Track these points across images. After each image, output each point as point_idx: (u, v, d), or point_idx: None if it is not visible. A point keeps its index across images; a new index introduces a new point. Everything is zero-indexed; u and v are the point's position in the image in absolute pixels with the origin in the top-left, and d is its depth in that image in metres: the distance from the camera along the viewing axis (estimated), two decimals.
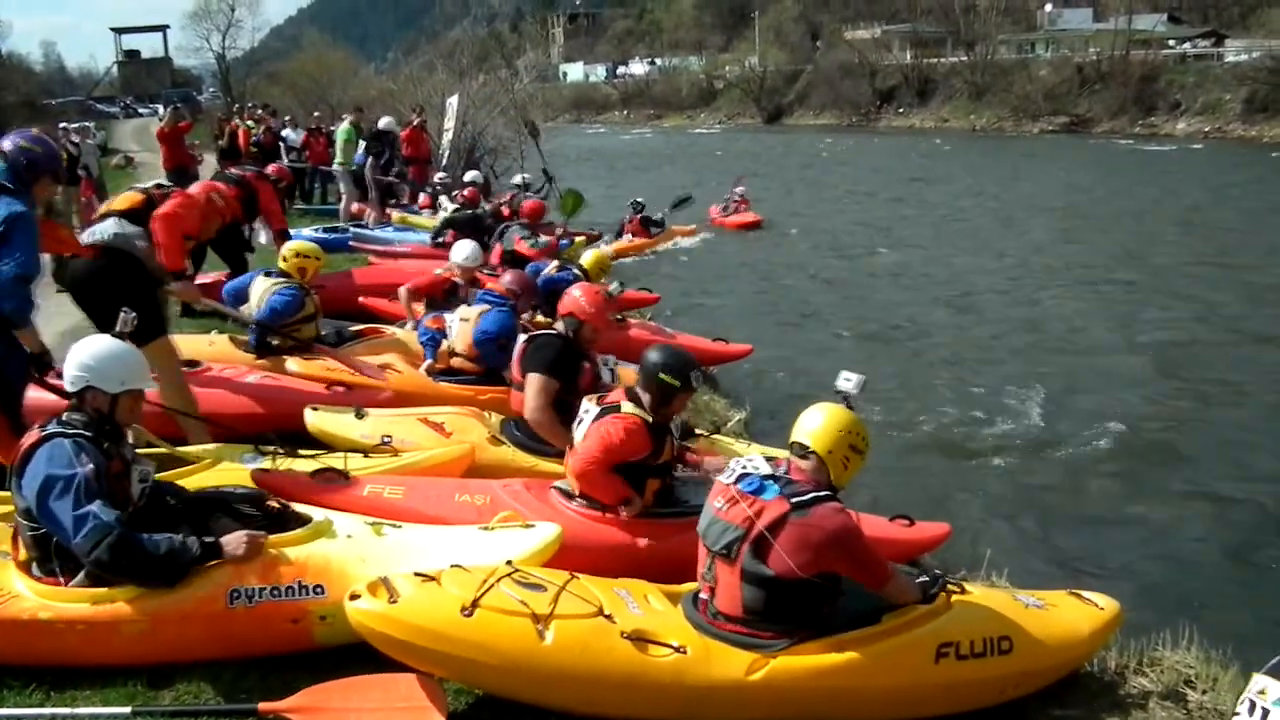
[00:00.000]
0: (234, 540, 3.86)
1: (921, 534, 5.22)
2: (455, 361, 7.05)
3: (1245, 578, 6.59)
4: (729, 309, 14.35)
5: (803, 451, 3.73)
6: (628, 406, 4.70)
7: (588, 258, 9.84)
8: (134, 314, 4.56)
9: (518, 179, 17.68)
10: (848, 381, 3.90)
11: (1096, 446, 8.72)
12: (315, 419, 5.91)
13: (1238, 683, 4.26)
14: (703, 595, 3.80)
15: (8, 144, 5.03)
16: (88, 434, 3.80)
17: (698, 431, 6.29)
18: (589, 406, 4.85)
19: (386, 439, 5.72)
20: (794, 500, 3.57)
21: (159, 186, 6.14)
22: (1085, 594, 4.49)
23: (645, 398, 4.72)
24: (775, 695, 3.59)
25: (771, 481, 3.66)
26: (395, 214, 15.99)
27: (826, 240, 20.80)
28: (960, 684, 3.80)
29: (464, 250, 8.73)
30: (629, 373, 7.18)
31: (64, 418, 3.88)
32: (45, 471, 3.69)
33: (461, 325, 7.02)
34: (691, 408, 5.15)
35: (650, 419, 4.67)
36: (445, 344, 7.11)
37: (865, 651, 3.64)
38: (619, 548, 4.59)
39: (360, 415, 5.87)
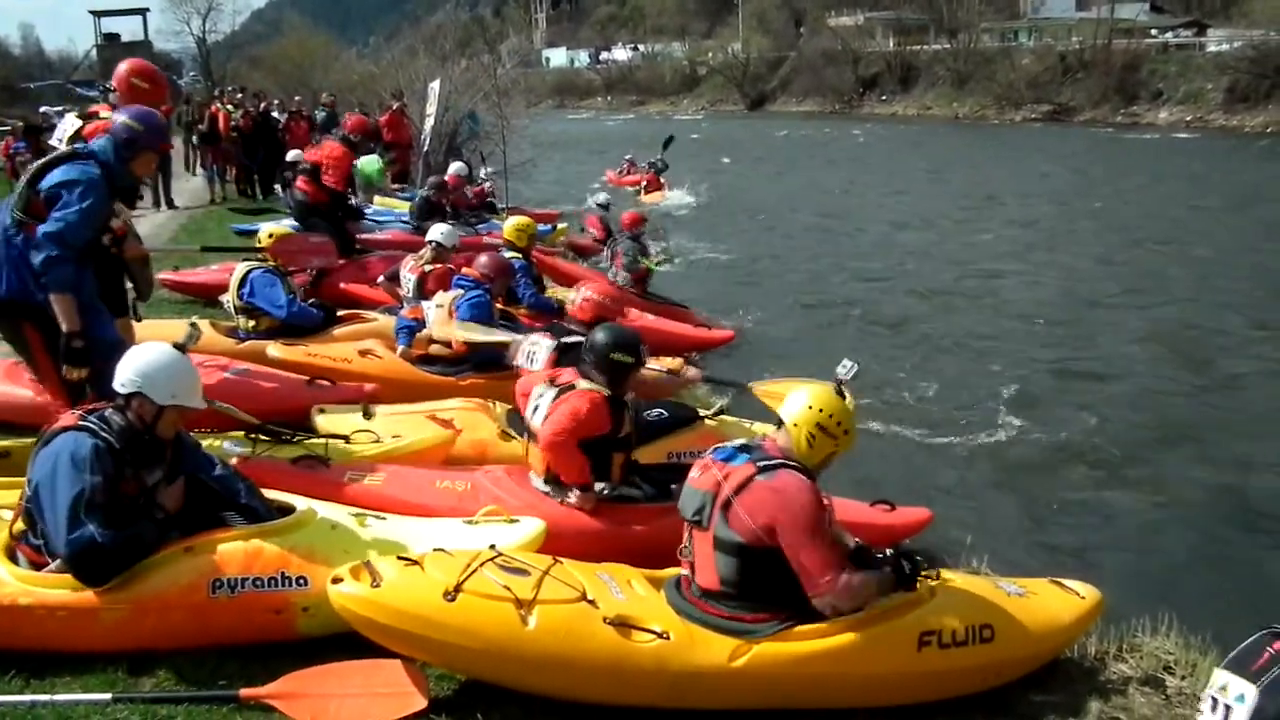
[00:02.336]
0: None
1: (902, 519, 5.25)
2: (434, 349, 7.01)
3: (1224, 565, 6.63)
4: (710, 291, 14.30)
5: (779, 424, 3.84)
6: (584, 384, 4.76)
7: (509, 225, 9.71)
8: (199, 331, 4.54)
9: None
10: (843, 368, 3.93)
11: (1079, 434, 8.76)
12: (323, 420, 5.88)
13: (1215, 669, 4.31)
14: (684, 572, 3.83)
15: (118, 118, 5.12)
16: (115, 443, 3.75)
17: (702, 413, 6.30)
18: (542, 389, 4.87)
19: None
20: (760, 464, 3.66)
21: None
22: (1066, 582, 4.50)
23: (599, 378, 4.79)
24: (758, 681, 3.60)
25: (743, 452, 3.75)
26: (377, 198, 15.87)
27: (812, 224, 20.86)
28: (943, 671, 3.82)
29: (441, 229, 8.68)
30: None
31: (105, 413, 3.84)
32: (57, 463, 3.67)
33: (438, 311, 6.99)
34: (675, 393, 5.17)
35: (608, 394, 4.74)
36: (425, 331, 7.08)
37: (848, 638, 3.65)
38: (602, 533, 4.60)
39: (368, 415, 5.84)
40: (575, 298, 6.79)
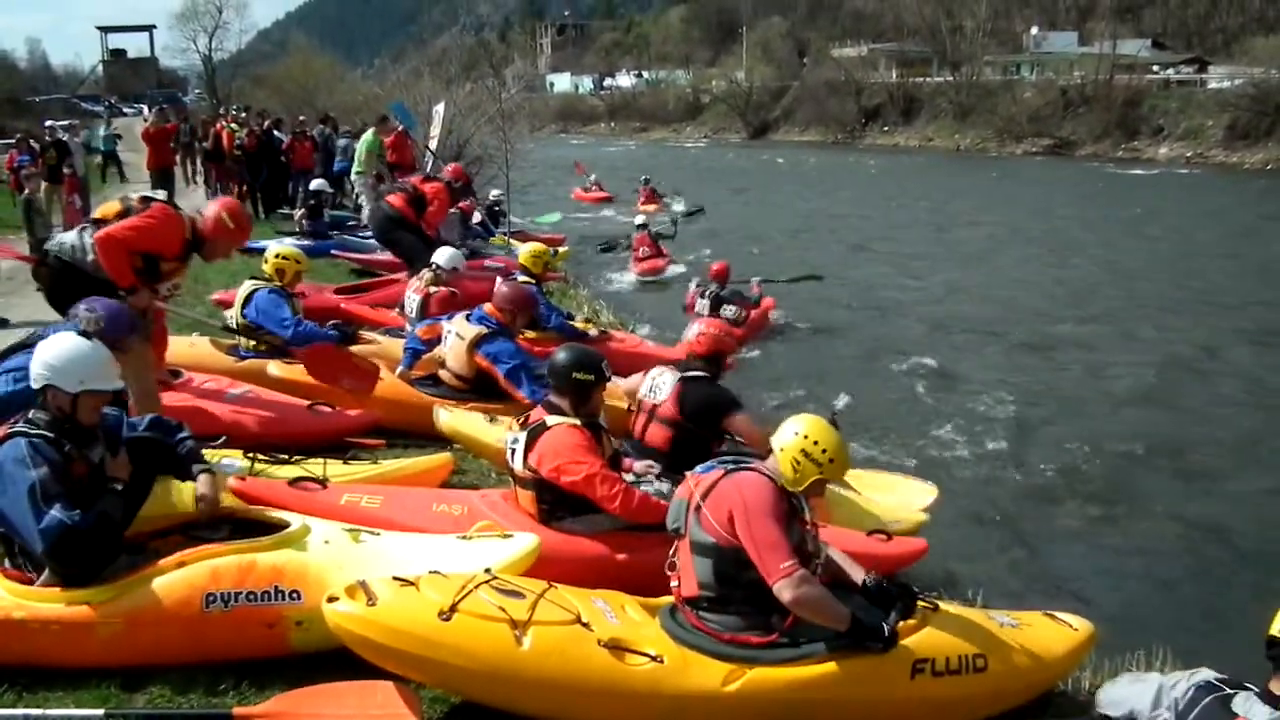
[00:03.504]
0: None
1: (898, 549, 5.24)
2: (444, 374, 6.97)
3: (1217, 598, 6.65)
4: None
5: (769, 450, 3.90)
6: (555, 419, 4.72)
7: (524, 252, 9.74)
8: (100, 312, 4.56)
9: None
10: (839, 401, 3.99)
11: (1072, 468, 8.79)
12: (448, 419, 6.10)
13: None
14: (672, 583, 3.84)
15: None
16: (48, 434, 3.78)
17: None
18: (512, 435, 4.84)
19: None
20: (728, 469, 3.76)
21: (143, 199, 6.12)
22: (1059, 614, 4.50)
23: (564, 403, 4.78)
24: (752, 706, 3.59)
25: (718, 462, 3.87)
26: None
27: (811, 251, 20.92)
28: (934, 701, 3.82)
29: (445, 253, 8.70)
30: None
31: (30, 415, 3.86)
32: (1, 473, 3.69)
33: (456, 341, 6.86)
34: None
35: (581, 421, 4.73)
36: (437, 352, 7.06)
37: (841, 665, 3.65)
38: (597, 560, 4.59)
39: (492, 420, 6.00)
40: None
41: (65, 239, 5.98)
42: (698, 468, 3.91)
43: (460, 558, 4.09)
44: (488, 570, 3.85)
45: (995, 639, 4.03)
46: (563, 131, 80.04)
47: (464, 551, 4.19)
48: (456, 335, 6.89)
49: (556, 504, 4.68)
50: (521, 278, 9.01)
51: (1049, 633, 4.30)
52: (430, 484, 5.38)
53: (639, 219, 18.26)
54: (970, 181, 39.36)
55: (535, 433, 4.70)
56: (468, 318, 6.92)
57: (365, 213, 16.14)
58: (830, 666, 3.65)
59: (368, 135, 16.92)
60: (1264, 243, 22.51)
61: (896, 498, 6.11)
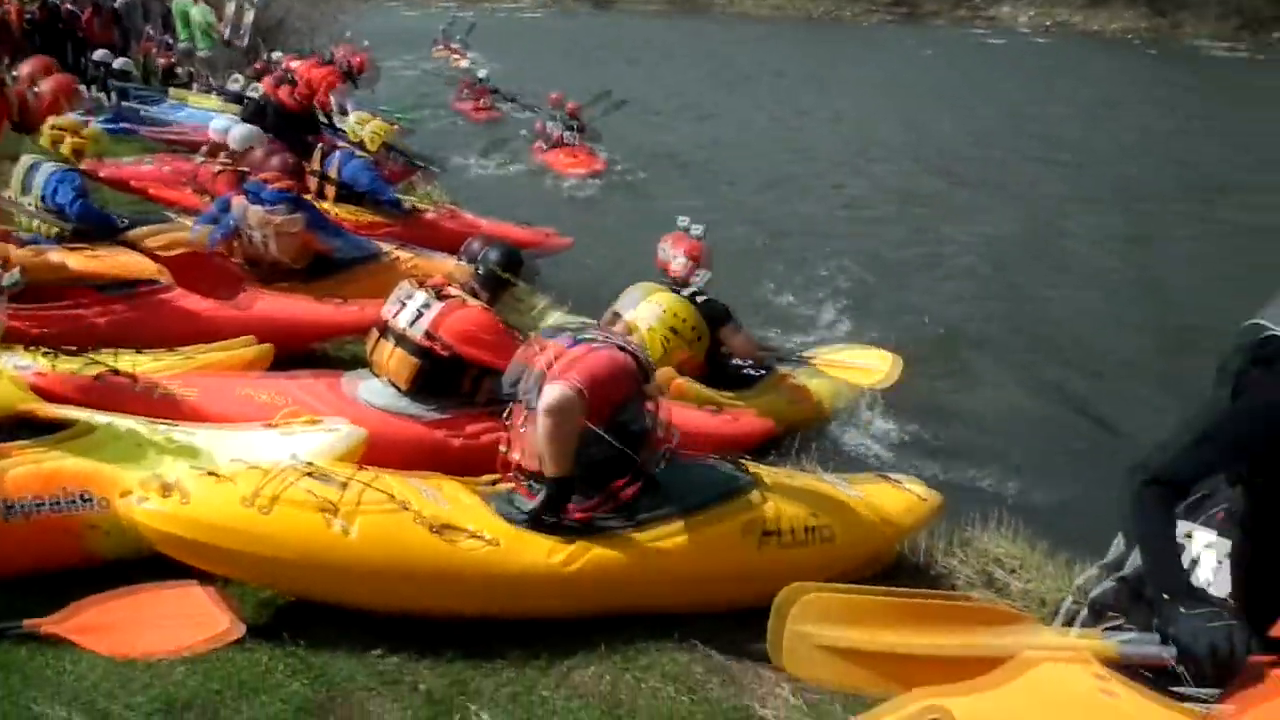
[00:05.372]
0: None
1: (746, 427, 5.23)
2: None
3: (1052, 463, 6.84)
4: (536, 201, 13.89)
5: (614, 319, 3.92)
6: (471, 299, 4.60)
7: (355, 124, 9.34)
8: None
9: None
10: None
11: (913, 337, 8.74)
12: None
13: (1043, 562, 4.48)
14: (512, 454, 3.73)
15: None
16: None
17: None
18: (416, 293, 4.63)
19: None
20: (579, 340, 3.66)
21: None
22: (905, 483, 4.54)
23: (484, 295, 4.66)
24: (594, 584, 3.51)
25: (568, 333, 3.76)
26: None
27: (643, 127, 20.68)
28: (783, 571, 3.76)
29: (237, 132, 8.14)
30: (420, 260, 6.99)
31: None
32: None
33: (266, 227, 6.47)
34: (511, 304, 5.01)
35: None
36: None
37: (688, 538, 3.60)
38: (424, 444, 4.42)
39: None
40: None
41: None
42: (544, 332, 3.77)
43: (280, 449, 3.85)
44: (308, 461, 3.64)
45: (843, 508, 4.05)
46: (392, 1, 76.37)
47: (283, 444, 3.94)
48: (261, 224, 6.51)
49: (432, 376, 4.51)
50: (357, 154, 8.62)
51: (894, 500, 4.33)
52: (250, 373, 5.04)
53: (481, 71, 18.40)
54: (818, 50, 39.26)
55: (450, 305, 4.53)
56: (254, 200, 6.53)
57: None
58: (676, 540, 3.59)
59: (201, 5, 15.68)
60: (1119, 108, 23.10)
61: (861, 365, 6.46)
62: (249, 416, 4.31)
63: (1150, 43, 41.52)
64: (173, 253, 6.39)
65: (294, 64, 12.05)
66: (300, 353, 5.92)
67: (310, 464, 3.59)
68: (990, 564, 4.52)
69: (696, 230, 6.13)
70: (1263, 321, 2.31)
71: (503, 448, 3.76)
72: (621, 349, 3.67)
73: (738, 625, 3.56)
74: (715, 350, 5.82)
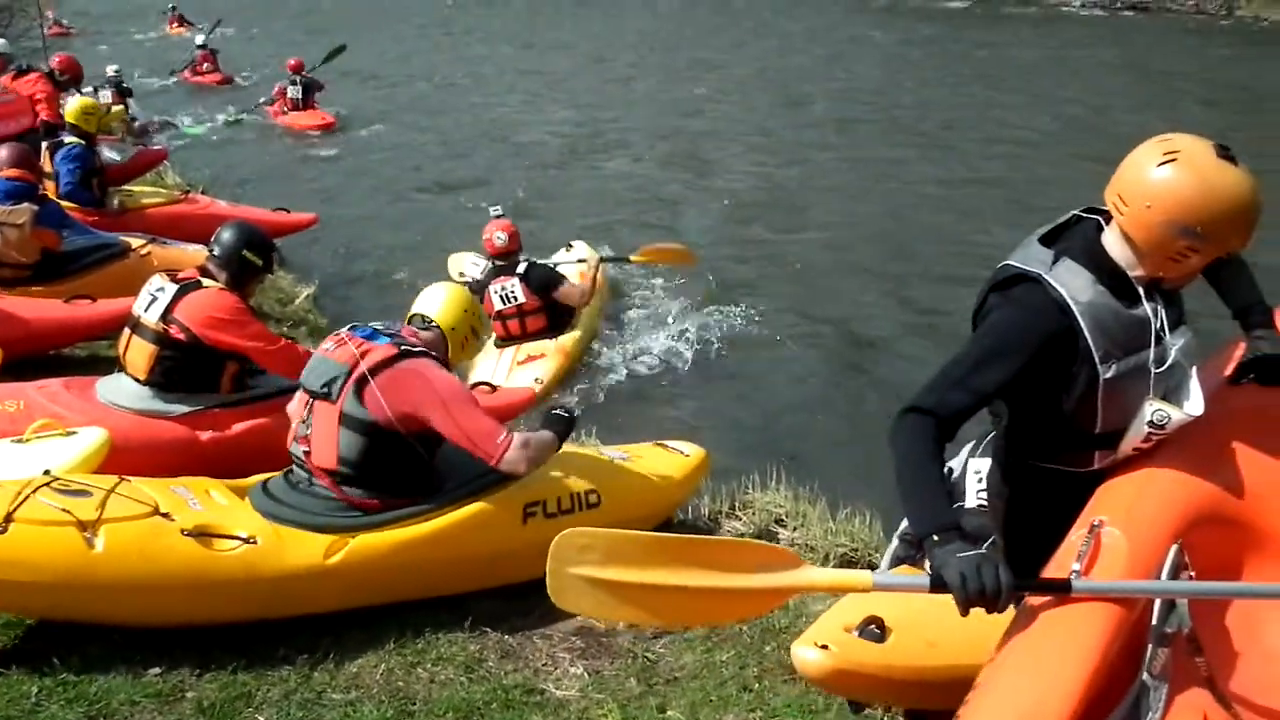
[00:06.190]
0: None
1: (506, 399, 5.19)
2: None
3: (825, 419, 7.04)
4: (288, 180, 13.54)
5: (425, 324, 3.83)
6: (210, 282, 4.41)
7: (73, 107, 8.53)
8: None
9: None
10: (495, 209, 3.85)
11: (679, 299, 8.86)
12: None
13: (825, 518, 4.62)
14: (300, 449, 3.57)
15: None
16: None
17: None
18: (164, 284, 4.42)
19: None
20: (402, 348, 3.55)
21: None
22: (671, 444, 4.58)
23: (221, 276, 4.46)
24: (359, 576, 3.43)
25: (386, 335, 3.63)
26: None
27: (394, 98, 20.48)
28: (550, 543, 3.79)
29: None
30: (173, 253, 6.73)
31: None
32: None
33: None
34: (259, 287, 4.83)
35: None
36: None
37: (450, 521, 3.55)
38: (176, 444, 4.23)
39: None
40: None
41: None
42: (357, 330, 3.63)
43: (15, 464, 3.60)
44: (47, 472, 3.41)
45: (607, 473, 4.05)
46: None
47: (19, 456, 3.68)
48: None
49: (178, 367, 4.30)
50: (69, 138, 8.01)
51: (661, 462, 4.37)
52: None
53: (199, 38, 19.36)
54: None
55: (188, 288, 4.33)
56: None
57: None
58: (436, 524, 3.54)
59: None
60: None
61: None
62: None
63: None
64: None
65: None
66: (52, 359, 5.65)
67: (49, 475, 3.36)
68: (772, 523, 4.65)
69: (495, 210, 7.70)
70: (1011, 262, 2.46)
71: (301, 448, 3.59)
72: (429, 355, 3.63)
73: (528, 609, 3.58)
74: (554, 306, 7.33)
